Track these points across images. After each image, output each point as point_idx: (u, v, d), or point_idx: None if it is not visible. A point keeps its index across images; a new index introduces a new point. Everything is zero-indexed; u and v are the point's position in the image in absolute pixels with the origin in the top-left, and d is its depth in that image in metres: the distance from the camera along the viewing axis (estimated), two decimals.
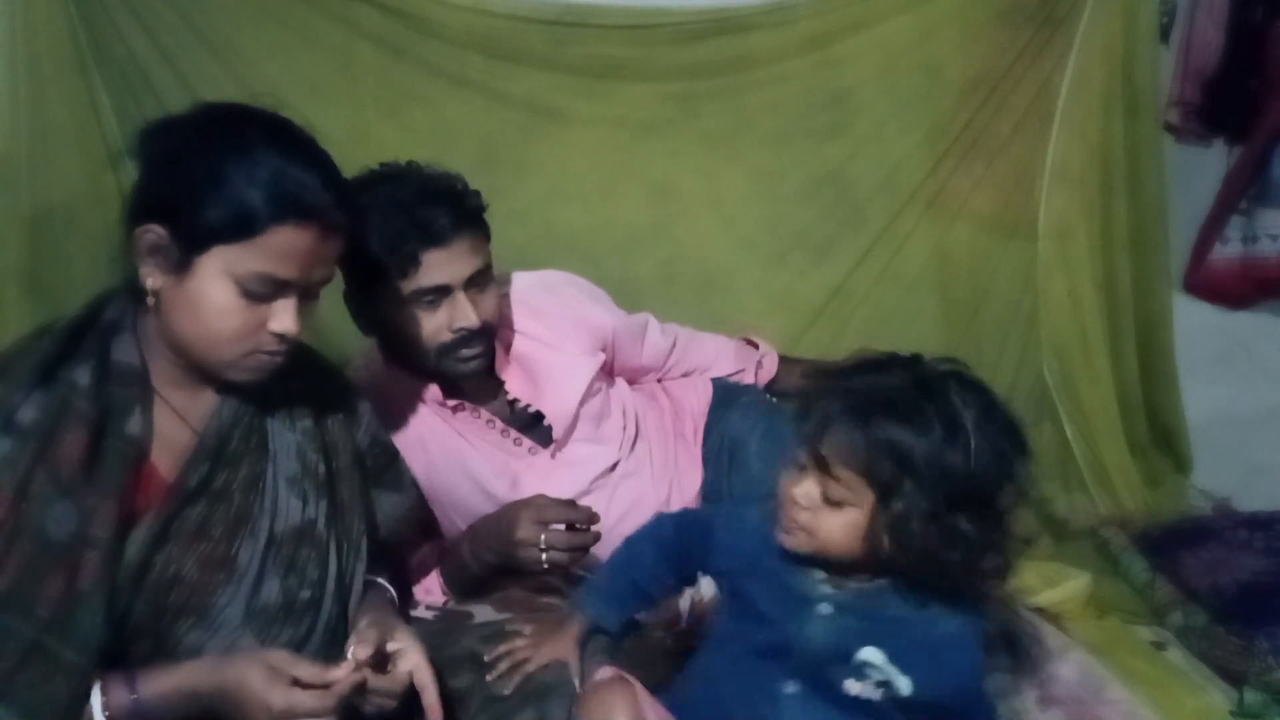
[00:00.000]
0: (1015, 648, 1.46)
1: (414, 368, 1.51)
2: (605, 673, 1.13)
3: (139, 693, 1.04)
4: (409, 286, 1.41)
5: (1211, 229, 2.30)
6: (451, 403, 1.54)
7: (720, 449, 1.68)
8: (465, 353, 1.46)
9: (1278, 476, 2.06)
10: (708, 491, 1.66)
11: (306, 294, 1.12)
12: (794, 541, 1.06)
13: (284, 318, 1.09)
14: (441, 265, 1.41)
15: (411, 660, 1.14)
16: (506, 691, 1.19)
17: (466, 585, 1.51)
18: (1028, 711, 1.41)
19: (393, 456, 1.42)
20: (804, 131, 2.11)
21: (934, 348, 2.12)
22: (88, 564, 1.03)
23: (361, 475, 1.31)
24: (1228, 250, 2.30)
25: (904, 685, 1.05)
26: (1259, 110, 2.20)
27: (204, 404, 1.16)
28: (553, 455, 1.56)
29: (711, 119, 2.09)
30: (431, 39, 1.96)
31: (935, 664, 1.05)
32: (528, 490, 1.47)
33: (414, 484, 1.45)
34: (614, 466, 1.60)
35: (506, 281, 1.65)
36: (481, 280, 1.46)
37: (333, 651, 1.18)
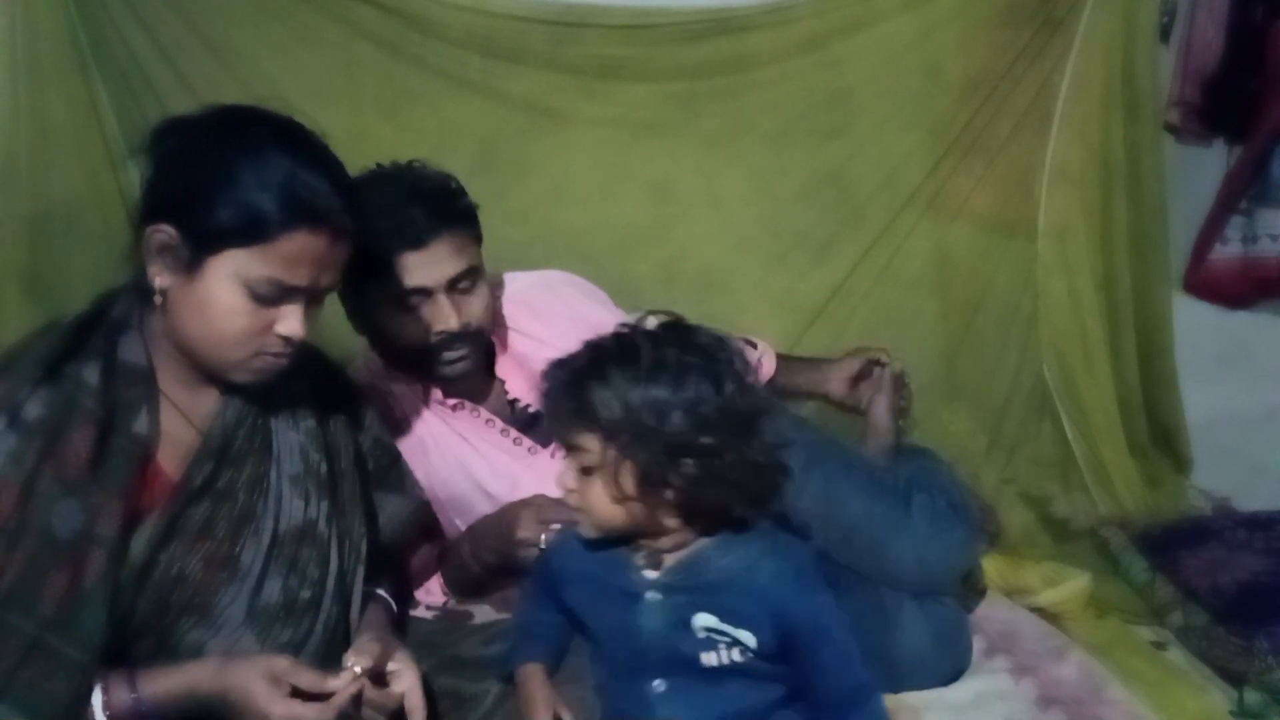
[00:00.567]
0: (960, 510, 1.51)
1: (407, 368, 1.51)
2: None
3: (140, 692, 1.04)
4: (389, 289, 1.41)
5: (1211, 229, 2.30)
6: (451, 402, 1.54)
7: None
8: (449, 355, 1.46)
9: (1278, 476, 2.06)
10: None
11: (313, 298, 1.13)
12: (584, 529, 1.11)
13: (291, 321, 1.10)
14: (420, 268, 1.40)
15: (406, 682, 1.13)
16: None
17: (466, 585, 1.51)
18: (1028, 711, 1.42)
19: (395, 458, 1.42)
20: (804, 131, 2.11)
21: (934, 348, 2.19)
22: (92, 562, 1.03)
23: (363, 476, 1.31)
24: (1228, 250, 2.30)
25: (748, 639, 1.07)
26: (1259, 110, 2.20)
27: (208, 403, 1.16)
28: (552, 455, 1.56)
29: (711, 119, 2.09)
30: (431, 39, 1.96)
31: (764, 609, 1.07)
32: (527, 490, 1.47)
33: (416, 486, 1.45)
34: None
35: (504, 283, 1.65)
36: (467, 283, 1.45)
37: (332, 652, 1.18)
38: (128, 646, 1.08)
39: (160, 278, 1.08)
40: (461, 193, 1.48)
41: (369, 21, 1.93)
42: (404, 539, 1.45)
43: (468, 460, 1.54)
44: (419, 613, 1.49)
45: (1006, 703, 1.43)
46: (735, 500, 1.08)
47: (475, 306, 1.46)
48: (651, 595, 1.10)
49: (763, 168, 2.13)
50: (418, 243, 1.40)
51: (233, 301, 1.07)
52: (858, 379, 1.75)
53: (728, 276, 2.15)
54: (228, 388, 1.16)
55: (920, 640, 1.43)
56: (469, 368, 1.49)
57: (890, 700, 1.40)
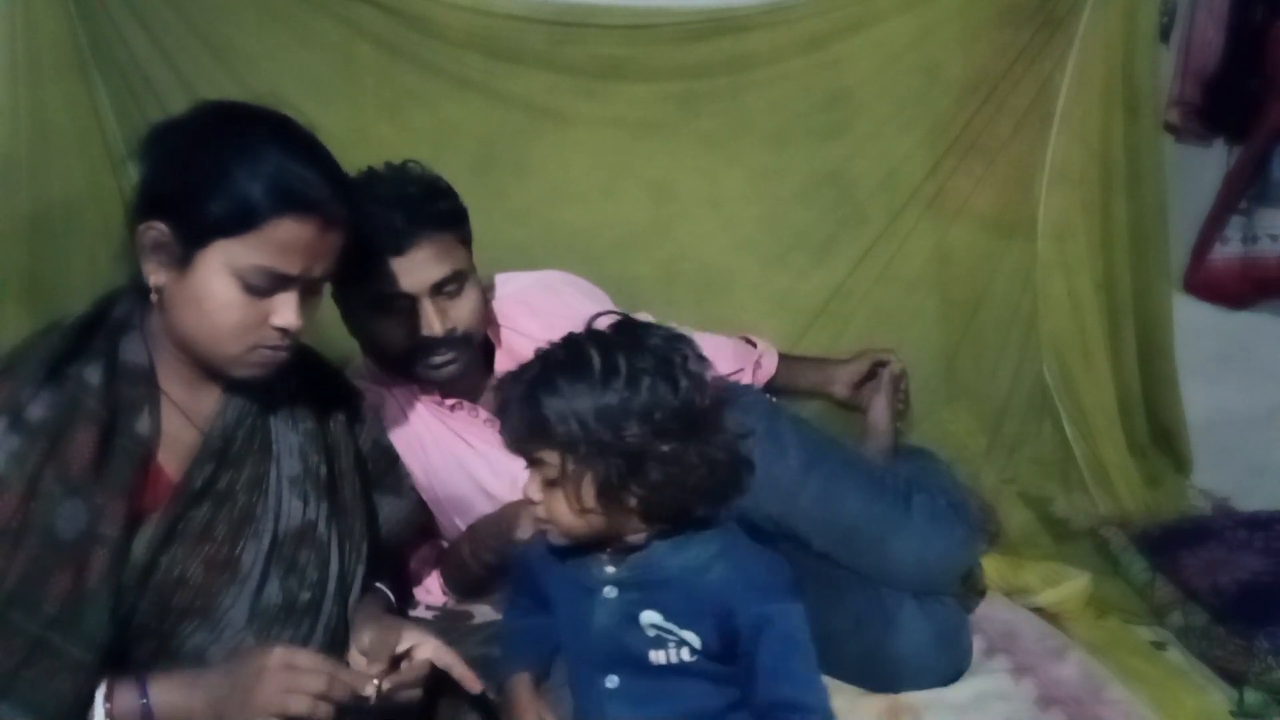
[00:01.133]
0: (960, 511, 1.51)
1: (396, 371, 1.51)
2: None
3: (148, 697, 1.04)
4: (371, 294, 1.41)
5: (1211, 229, 2.30)
6: (449, 402, 1.54)
7: None
8: (435, 360, 1.45)
9: (1278, 476, 2.06)
10: None
11: (309, 289, 1.12)
12: (552, 537, 1.10)
13: (286, 312, 1.09)
14: (402, 273, 1.40)
15: (428, 649, 1.13)
16: None
17: (466, 585, 1.51)
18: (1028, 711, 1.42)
19: (392, 460, 1.42)
20: (804, 131, 2.11)
21: (934, 348, 2.19)
22: (95, 562, 1.03)
23: (363, 477, 1.32)
24: (1228, 250, 2.29)
25: (692, 639, 1.07)
26: (1259, 110, 2.20)
27: (209, 404, 1.16)
28: None
29: (711, 119, 2.09)
30: (431, 39, 1.96)
31: (709, 610, 1.07)
32: None
33: (413, 488, 1.46)
34: None
35: (501, 282, 1.65)
36: (453, 286, 1.44)
37: (333, 654, 1.17)
38: (129, 649, 1.08)
39: (155, 275, 1.09)
40: (448, 195, 1.47)
41: (369, 21, 1.93)
42: (401, 539, 1.45)
43: (467, 460, 1.54)
44: (419, 613, 1.49)
45: (1006, 703, 1.42)
46: (697, 501, 1.08)
47: (462, 310, 1.45)
48: (608, 590, 1.10)
49: (763, 168, 2.13)
50: (398, 248, 1.39)
51: (226, 294, 1.07)
52: (863, 381, 1.75)
53: (728, 276, 2.15)
54: (228, 387, 1.16)
55: (920, 640, 1.43)
56: (456, 372, 1.48)
57: (890, 700, 1.41)
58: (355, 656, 1.14)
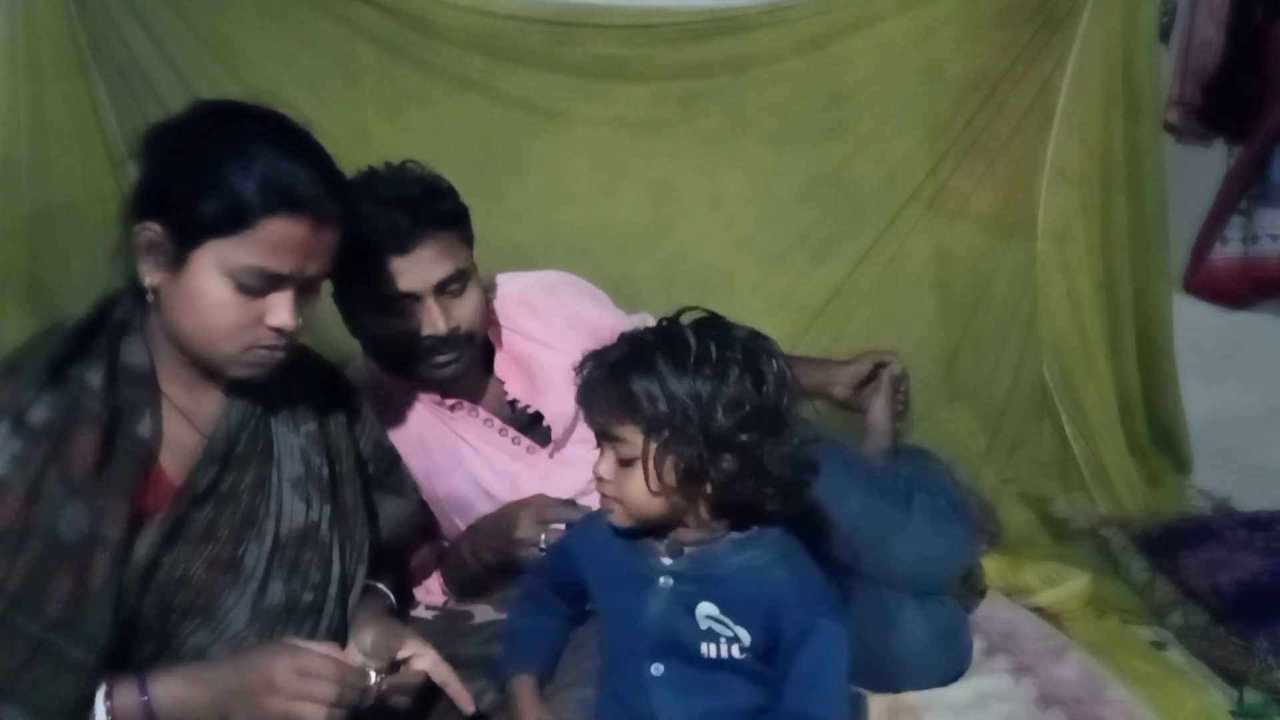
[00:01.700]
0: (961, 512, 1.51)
1: (398, 371, 1.51)
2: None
3: (149, 694, 1.04)
4: (374, 293, 1.41)
5: (1211, 229, 2.30)
6: (449, 402, 1.54)
7: None
8: (438, 359, 1.45)
9: (1278, 476, 2.06)
10: None
11: (304, 288, 1.11)
12: (616, 518, 1.10)
13: (280, 312, 1.08)
14: (404, 273, 1.39)
15: (427, 661, 1.14)
16: None
17: (466, 585, 1.51)
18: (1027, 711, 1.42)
19: (394, 461, 1.42)
20: (804, 131, 2.12)
21: (934, 348, 2.19)
22: (98, 564, 1.03)
23: (364, 478, 1.32)
24: (1228, 250, 2.29)
25: (744, 636, 1.07)
26: (1259, 110, 2.20)
27: (210, 406, 1.16)
28: (551, 455, 1.56)
29: (711, 119, 2.09)
30: (431, 39, 1.96)
31: (762, 609, 1.07)
32: (527, 490, 1.47)
33: (415, 488, 1.46)
34: None
35: (502, 283, 1.65)
36: (456, 285, 1.44)
37: None
38: (131, 649, 1.08)
39: (150, 276, 1.08)
40: (450, 194, 1.47)
41: (369, 21, 1.93)
42: (402, 540, 1.45)
43: (467, 460, 1.54)
44: (419, 613, 1.49)
45: (1006, 703, 1.43)
46: (769, 497, 1.08)
47: (465, 309, 1.45)
48: (664, 581, 1.10)
49: (763, 168, 2.13)
50: (401, 248, 1.39)
51: (219, 294, 1.06)
52: (864, 383, 1.75)
53: (728, 276, 2.15)
54: (230, 390, 1.16)
55: (920, 640, 1.43)
56: (459, 371, 1.48)
57: (890, 700, 1.41)
58: (354, 655, 1.13)
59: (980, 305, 2.22)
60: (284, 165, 1.06)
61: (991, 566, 1.76)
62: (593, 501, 1.46)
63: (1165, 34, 2.19)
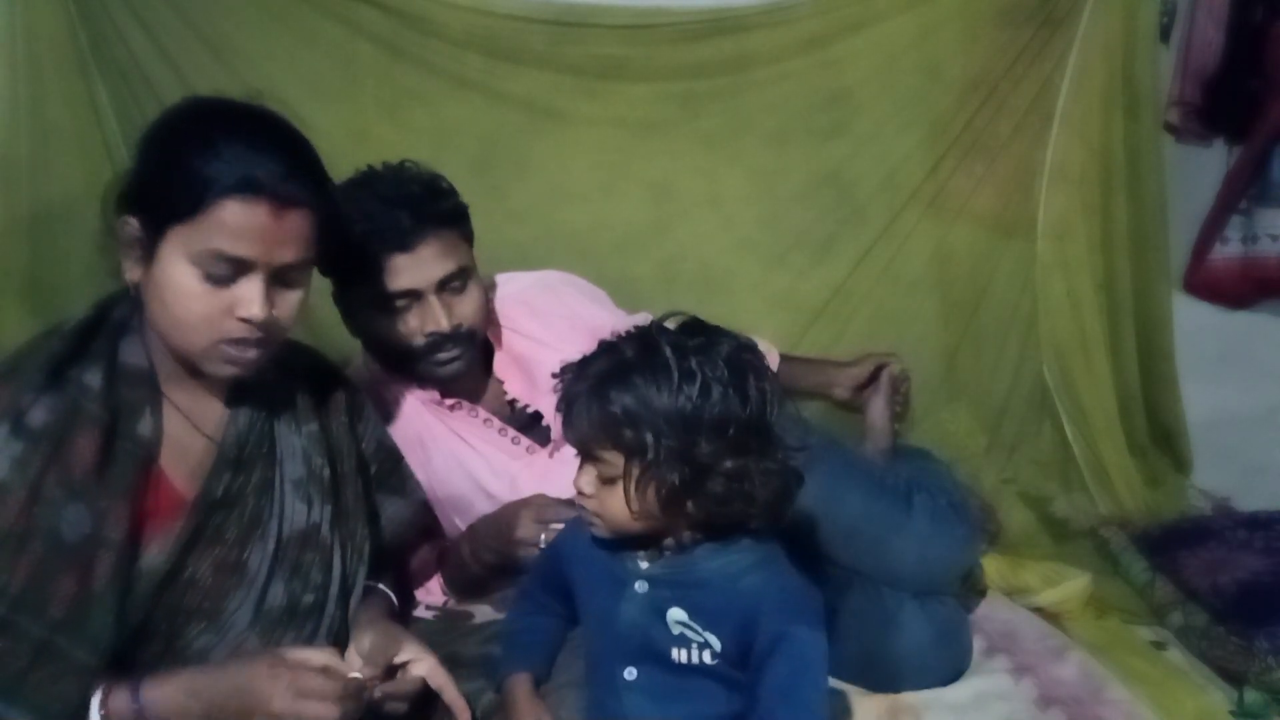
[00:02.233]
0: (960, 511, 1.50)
1: (400, 370, 1.51)
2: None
3: (142, 700, 1.04)
4: (377, 291, 1.42)
5: (1211, 229, 2.30)
6: (449, 402, 1.54)
7: None
8: (441, 357, 1.46)
9: (1278, 476, 2.06)
10: None
11: (280, 280, 1.09)
12: (597, 530, 1.09)
13: (249, 303, 1.06)
14: (407, 270, 1.40)
15: (424, 666, 1.14)
16: None
17: (466, 585, 1.51)
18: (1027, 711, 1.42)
19: (396, 461, 1.42)
20: (804, 131, 2.11)
21: (934, 348, 2.19)
22: (100, 565, 1.03)
23: (365, 479, 1.32)
24: (1228, 250, 2.30)
25: (714, 642, 1.07)
26: (1259, 110, 2.20)
27: (212, 408, 1.16)
28: (551, 455, 1.56)
29: (711, 119, 2.09)
30: (431, 39, 1.96)
31: (735, 615, 1.06)
32: (527, 489, 1.47)
33: (418, 488, 1.46)
34: None
35: (502, 282, 1.65)
36: (457, 283, 1.45)
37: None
38: (136, 651, 1.08)
39: (131, 272, 1.09)
40: (450, 193, 1.48)
41: (369, 21, 1.93)
42: (405, 540, 1.45)
43: (466, 460, 1.54)
44: (419, 613, 1.49)
45: (1006, 703, 1.43)
46: (753, 516, 1.07)
47: (466, 307, 1.46)
48: (639, 585, 1.10)
49: (763, 168, 2.13)
50: (404, 245, 1.40)
51: (186, 283, 1.05)
52: (865, 385, 1.75)
53: (728, 276, 2.15)
54: (233, 392, 1.16)
55: (920, 640, 1.43)
56: (461, 369, 1.49)
57: (890, 700, 1.41)
58: (353, 658, 1.13)
59: (980, 305, 2.22)
60: (242, 150, 1.05)
61: (991, 566, 1.76)
62: None
63: (1165, 34, 2.19)
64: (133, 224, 1.07)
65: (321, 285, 1.50)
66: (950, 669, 1.47)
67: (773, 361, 1.89)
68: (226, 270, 1.05)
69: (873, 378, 1.75)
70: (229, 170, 1.03)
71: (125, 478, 1.07)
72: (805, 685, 1.04)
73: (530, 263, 1.74)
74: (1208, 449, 2.26)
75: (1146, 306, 2.22)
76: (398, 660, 1.14)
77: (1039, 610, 1.69)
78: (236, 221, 1.04)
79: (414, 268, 1.41)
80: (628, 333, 1.08)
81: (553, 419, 1.56)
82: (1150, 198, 2.16)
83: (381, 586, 1.31)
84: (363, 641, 1.15)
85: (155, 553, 1.08)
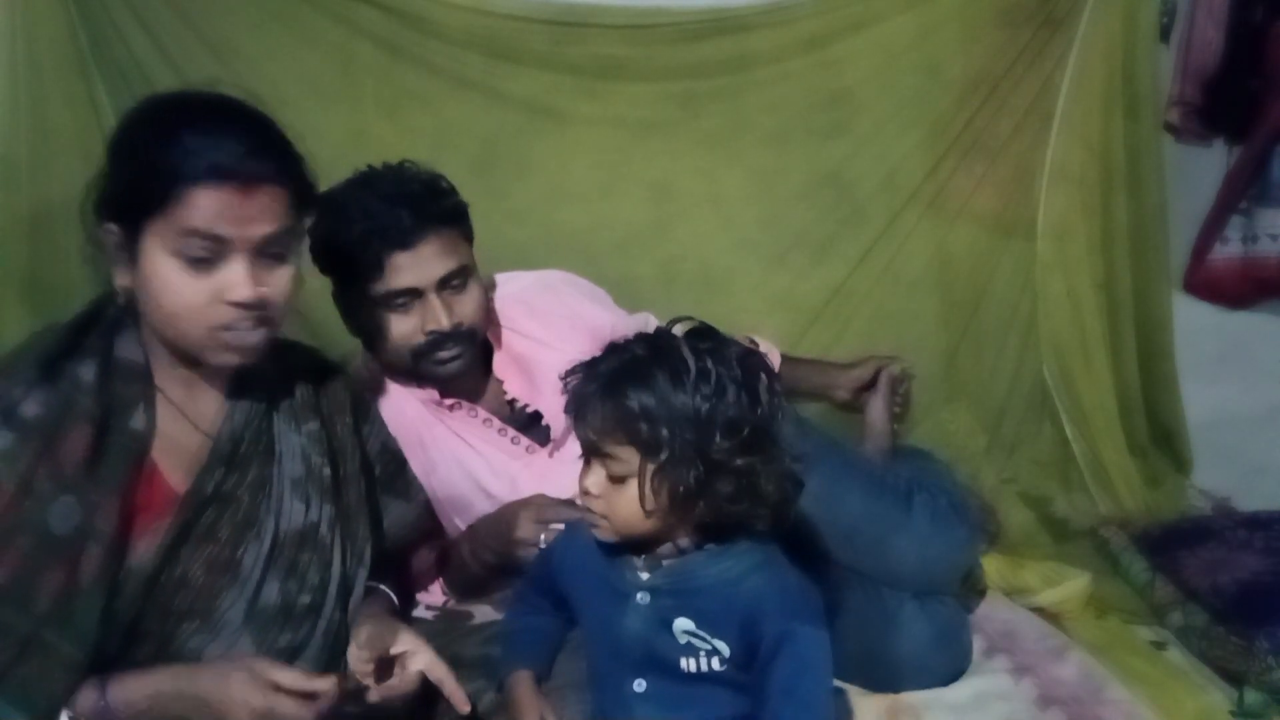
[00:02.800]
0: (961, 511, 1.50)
1: (400, 369, 1.51)
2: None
3: (108, 698, 1.04)
4: (378, 290, 1.42)
5: (1211, 229, 2.30)
6: (449, 402, 1.54)
7: None
8: (441, 355, 1.46)
9: (1278, 476, 2.06)
10: None
11: (265, 255, 1.08)
12: (601, 533, 1.09)
13: (237, 286, 1.05)
14: (408, 268, 1.41)
15: (422, 660, 1.13)
16: None
17: (466, 585, 1.51)
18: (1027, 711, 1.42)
19: (401, 464, 1.42)
20: (804, 131, 2.12)
21: (934, 348, 2.19)
22: (89, 559, 1.03)
23: (369, 480, 1.31)
24: (1228, 250, 2.30)
25: (723, 648, 1.07)
26: (1259, 110, 2.20)
27: (209, 404, 1.16)
28: (551, 455, 1.56)
29: (711, 119, 2.09)
30: (431, 39, 1.96)
31: (738, 618, 1.06)
32: (527, 489, 1.47)
33: (421, 491, 1.45)
34: None
35: (502, 282, 1.65)
36: (457, 282, 1.45)
37: (332, 657, 1.17)
38: (128, 651, 1.08)
39: (120, 278, 1.09)
40: (451, 192, 1.48)
41: (369, 21, 1.93)
42: (408, 543, 1.44)
43: (466, 460, 1.54)
44: (419, 613, 1.49)
45: (1006, 703, 1.43)
46: (761, 517, 1.07)
47: (467, 306, 1.47)
48: (641, 596, 1.10)
49: (763, 168, 2.13)
50: (405, 243, 1.40)
51: (170, 276, 1.05)
52: (866, 387, 1.75)
53: (728, 276, 2.15)
54: (232, 388, 1.16)
55: (920, 640, 1.43)
56: (461, 368, 1.49)
57: (890, 700, 1.41)
58: (353, 652, 1.12)
59: (980, 305, 2.22)
60: (202, 137, 1.05)
61: (991, 566, 1.76)
62: None
63: (1165, 34, 2.20)
64: (113, 230, 1.07)
65: (322, 285, 1.50)
66: (950, 669, 1.47)
67: (775, 361, 1.90)
68: (205, 253, 1.04)
69: (874, 379, 1.75)
70: (192, 158, 1.03)
71: (116, 472, 1.06)
72: (810, 683, 1.05)
73: (530, 263, 1.74)
74: (1208, 449, 2.26)
75: (1146, 306, 2.22)
76: (394, 651, 1.13)
77: (1039, 610, 1.69)
78: (207, 206, 1.04)
79: (415, 266, 1.41)
80: (639, 335, 1.09)
81: (553, 419, 1.56)
82: (1150, 198, 2.16)
83: (383, 588, 1.30)
84: (360, 633, 1.14)
85: (144, 549, 1.08)
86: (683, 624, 1.08)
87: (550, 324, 1.61)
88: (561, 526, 1.36)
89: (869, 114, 2.12)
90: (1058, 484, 2.19)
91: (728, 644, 1.07)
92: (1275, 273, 2.26)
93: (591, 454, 1.07)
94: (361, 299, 1.44)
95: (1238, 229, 2.28)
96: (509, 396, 1.59)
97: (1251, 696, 1.47)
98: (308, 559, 1.18)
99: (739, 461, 1.02)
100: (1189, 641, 1.64)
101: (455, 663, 1.23)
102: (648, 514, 1.04)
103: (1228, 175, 2.28)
